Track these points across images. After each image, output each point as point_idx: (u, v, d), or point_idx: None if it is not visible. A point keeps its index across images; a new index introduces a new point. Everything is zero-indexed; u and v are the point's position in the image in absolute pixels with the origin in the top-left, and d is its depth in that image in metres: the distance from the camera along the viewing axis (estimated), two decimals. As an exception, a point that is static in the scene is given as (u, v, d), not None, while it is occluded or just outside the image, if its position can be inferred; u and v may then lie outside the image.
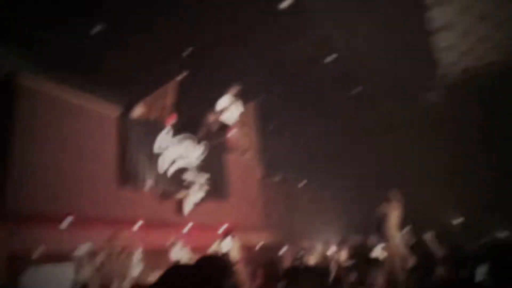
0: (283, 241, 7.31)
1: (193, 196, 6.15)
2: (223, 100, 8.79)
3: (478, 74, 11.11)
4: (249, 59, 9.95)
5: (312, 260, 5.06)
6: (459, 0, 9.92)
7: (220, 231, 6.79)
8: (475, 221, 9.97)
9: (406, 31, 10.25)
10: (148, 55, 9.21)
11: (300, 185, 11.97)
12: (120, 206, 5.16)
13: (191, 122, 8.23)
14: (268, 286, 3.89)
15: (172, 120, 7.25)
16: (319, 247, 5.64)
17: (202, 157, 6.69)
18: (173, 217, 5.94)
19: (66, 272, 4.54)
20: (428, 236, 4.42)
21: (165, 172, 5.88)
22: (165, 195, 5.82)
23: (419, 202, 11.15)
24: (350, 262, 4.34)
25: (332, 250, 5.74)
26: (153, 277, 4.32)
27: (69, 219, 4.68)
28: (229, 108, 8.77)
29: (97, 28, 8.28)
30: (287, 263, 5.85)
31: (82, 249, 3.46)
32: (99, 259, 3.59)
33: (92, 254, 3.57)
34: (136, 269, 4.71)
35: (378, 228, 6.08)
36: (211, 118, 8.24)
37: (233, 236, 4.99)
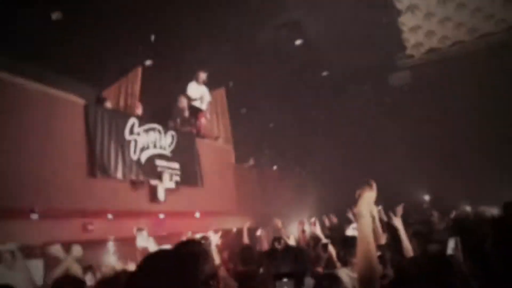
0: (258, 225, 7.33)
1: (166, 184, 6.06)
2: (192, 86, 8.67)
3: (443, 54, 11.38)
4: (218, 44, 9.84)
5: (290, 240, 5.10)
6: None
7: (196, 216, 6.77)
8: (442, 196, 10.33)
9: (373, 14, 10.36)
10: (114, 42, 8.96)
11: (273, 169, 12.04)
12: (91, 196, 5.03)
13: (160, 110, 8.10)
14: (245, 269, 3.91)
15: (139, 108, 7.11)
16: (295, 227, 5.68)
17: (173, 145, 6.59)
18: (146, 205, 5.85)
19: (35, 267, 4.41)
20: (399, 209, 4.53)
21: (136, 161, 5.76)
22: (137, 184, 5.71)
23: (391, 182, 11.45)
24: (326, 240, 4.40)
25: (308, 227, 5.80)
26: (129, 266, 4.26)
27: (36, 213, 4.53)
28: (199, 95, 8.67)
29: (59, 15, 7.98)
30: (263, 246, 5.89)
31: (54, 248, 3.36)
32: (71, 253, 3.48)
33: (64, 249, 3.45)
34: (111, 258, 4.64)
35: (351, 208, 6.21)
36: (180, 105, 8.12)
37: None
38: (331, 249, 4.21)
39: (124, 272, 2.67)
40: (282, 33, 10.65)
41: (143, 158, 5.89)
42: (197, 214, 6.94)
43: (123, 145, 5.58)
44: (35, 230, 4.68)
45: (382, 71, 12.37)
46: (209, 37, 9.48)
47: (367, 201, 2.70)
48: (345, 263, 3.52)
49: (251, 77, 11.04)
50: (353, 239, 3.79)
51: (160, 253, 1.79)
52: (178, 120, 7.78)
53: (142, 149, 5.90)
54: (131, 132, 5.79)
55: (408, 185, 11.12)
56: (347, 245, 3.61)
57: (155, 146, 6.16)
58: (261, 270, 3.56)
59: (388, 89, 12.69)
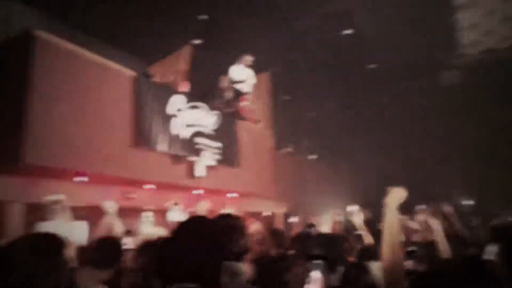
0: (292, 211, 7.37)
1: (205, 161, 6.19)
2: (236, 68, 8.71)
3: (501, 56, 10.83)
4: (266, 29, 9.82)
5: (323, 228, 5.10)
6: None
7: (232, 195, 6.88)
8: (486, 203, 9.95)
9: (428, 8, 9.97)
10: (165, 19, 9.14)
11: (311, 157, 11.98)
12: (134, 166, 5.21)
13: (205, 89, 8.21)
14: (276, 252, 3.95)
15: (186, 85, 7.23)
16: (329, 216, 5.67)
17: (214, 125, 6.69)
18: (185, 180, 6.00)
19: (80, 227, 4.64)
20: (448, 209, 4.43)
21: (179, 136, 5.89)
22: (177, 158, 5.85)
23: (431, 182, 11.13)
24: (360, 231, 4.37)
25: (341, 217, 5.76)
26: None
27: (84, 176, 4.76)
28: (243, 77, 8.71)
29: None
30: (296, 232, 5.91)
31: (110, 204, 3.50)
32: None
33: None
34: (148, 226, 4.81)
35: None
36: (224, 86, 8.20)
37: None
38: (367, 240, 4.17)
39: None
40: (332, 21, 10.47)
41: (186, 134, 6.02)
42: (233, 194, 7.04)
43: (168, 119, 5.73)
44: (79, 192, 4.91)
45: (434, 68, 11.95)
46: (258, 21, 9.48)
47: (397, 196, 2.67)
48: (376, 256, 3.49)
49: (297, 64, 10.97)
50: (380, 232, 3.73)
51: (197, 220, 1.84)
52: (220, 100, 7.86)
53: (186, 125, 6.03)
54: (177, 107, 5.92)
55: (449, 188, 10.78)
56: (379, 238, 3.56)
57: (198, 123, 6.28)
58: (291, 252, 3.59)
59: (438, 87, 12.26)
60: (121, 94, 5.26)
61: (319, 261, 2.31)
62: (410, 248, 3.91)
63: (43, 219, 5.03)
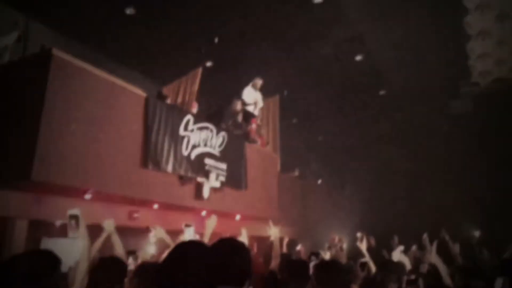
0: (296, 236, 7.29)
1: (212, 183, 6.18)
2: (248, 91, 8.80)
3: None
4: (277, 52, 9.93)
5: (327, 255, 5.02)
6: (497, 6, 9.63)
7: (236, 218, 6.83)
8: (495, 236, 9.74)
9: (440, 36, 10.03)
10: (178, 41, 9.30)
11: (318, 182, 11.92)
12: (141, 186, 5.22)
13: (214, 111, 8.28)
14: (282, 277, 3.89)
15: (195, 107, 7.31)
16: (334, 243, 5.59)
17: (222, 146, 6.71)
18: (190, 201, 5.99)
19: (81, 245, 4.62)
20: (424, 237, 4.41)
21: (186, 157, 5.91)
22: (185, 179, 5.85)
23: (437, 212, 10.98)
24: (366, 259, 4.30)
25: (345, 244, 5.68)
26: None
27: (90, 194, 4.76)
28: (252, 100, 8.79)
29: (130, 10, 8.42)
30: (301, 256, 5.83)
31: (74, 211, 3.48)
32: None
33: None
34: (152, 247, 4.78)
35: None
36: (234, 108, 8.26)
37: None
38: (371, 268, 4.10)
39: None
40: (342, 47, 10.56)
41: (193, 155, 6.04)
42: (238, 217, 7.00)
43: (176, 140, 5.76)
44: (84, 210, 4.90)
45: (443, 96, 11.94)
46: (269, 45, 9.60)
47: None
48: (382, 286, 3.42)
49: (306, 88, 11.03)
50: (394, 263, 3.68)
51: (193, 244, 1.83)
52: (230, 122, 7.91)
53: (194, 146, 6.06)
54: (186, 128, 5.96)
55: (456, 217, 10.61)
56: (386, 269, 3.51)
57: (205, 145, 6.30)
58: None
59: (447, 115, 12.22)
60: (132, 113, 5.32)
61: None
62: (412, 277, 3.84)
63: (48, 235, 5.05)
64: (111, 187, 4.90)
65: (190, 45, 9.46)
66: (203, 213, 6.34)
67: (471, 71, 11.00)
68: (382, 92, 11.93)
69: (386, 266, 3.59)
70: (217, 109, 8.31)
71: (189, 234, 4.35)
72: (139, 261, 4.43)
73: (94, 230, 4.34)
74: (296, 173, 10.84)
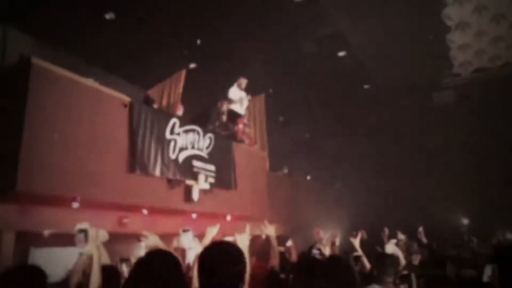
0: (288, 234, 7.30)
1: (200, 185, 6.16)
2: (233, 91, 8.79)
3: (493, 74, 10.98)
4: (260, 52, 9.93)
5: (326, 250, 5.03)
6: (474, -1, 9.77)
7: (227, 219, 6.82)
8: (482, 223, 9.91)
9: (420, 29, 10.15)
10: (161, 44, 9.23)
11: (307, 178, 11.97)
12: (129, 191, 5.17)
13: (200, 112, 8.24)
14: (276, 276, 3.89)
15: (180, 109, 7.26)
16: (327, 238, 5.61)
17: (210, 148, 6.69)
18: (180, 204, 5.96)
19: (71, 254, 4.57)
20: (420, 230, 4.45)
21: (174, 160, 5.88)
22: (173, 182, 5.82)
23: (427, 203, 11.12)
24: (358, 253, 4.32)
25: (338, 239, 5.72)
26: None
27: (77, 202, 4.70)
28: (238, 100, 8.78)
29: (111, 14, 8.33)
30: (293, 256, 5.84)
31: (82, 225, 3.41)
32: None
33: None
34: (142, 252, 4.73)
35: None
36: (220, 109, 8.24)
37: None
38: (365, 263, 4.12)
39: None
40: (325, 44, 10.61)
41: (181, 158, 6.01)
42: (228, 217, 6.98)
43: (163, 144, 5.72)
44: (73, 219, 4.83)
45: (426, 88, 12.08)
46: (252, 44, 9.60)
47: None
48: (378, 281, 3.42)
49: (291, 86, 11.05)
50: (390, 257, 3.68)
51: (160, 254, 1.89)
52: (217, 123, 7.89)
53: (181, 149, 6.03)
54: (172, 132, 5.93)
55: (445, 208, 10.76)
56: (382, 262, 3.49)
57: (193, 147, 6.28)
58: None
59: (431, 107, 12.37)
60: (116, 119, 5.27)
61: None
62: (404, 273, 3.87)
63: (36, 245, 4.97)
64: (98, 194, 4.85)
65: (173, 48, 9.40)
66: (193, 215, 6.32)
67: (452, 62, 11.17)
68: (366, 87, 12.02)
69: (382, 260, 3.57)
70: (203, 110, 8.28)
71: (187, 239, 4.32)
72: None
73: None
74: (285, 170, 10.86)
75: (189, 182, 6.05)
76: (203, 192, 6.24)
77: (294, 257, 5.84)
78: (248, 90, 9.03)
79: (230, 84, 8.91)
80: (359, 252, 4.45)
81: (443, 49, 10.90)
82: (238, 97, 8.78)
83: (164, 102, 7.39)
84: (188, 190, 6.05)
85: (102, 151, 4.97)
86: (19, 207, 4.42)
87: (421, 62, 10.81)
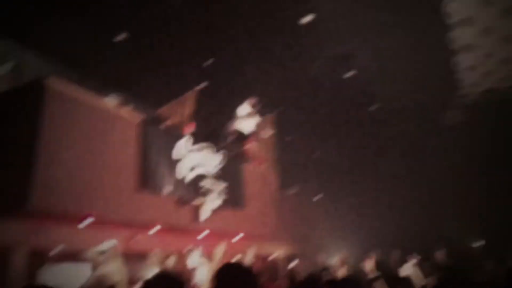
0: (297, 253, 7.26)
1: (210, 204, 6.18)
2: (242, 110, 8.86)
3: (501, 95, 10.97)
4: (270, 72, 10.06)
5: (339, 272, 4.98)
6: (482, 20, 9.85)
7: (235, 239, 6.80)
8: (496, 244, 9.73)
9: (428, 51, 10.22)
10: (171, 65, 9.41)
11: (316, 198, 11.90)
12: (138, 209, 5.21)
13: (210, 132, 8.32)
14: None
15: (191, 128, 7.34)
16: (337, 260, 5.55)
17: (220, 166, 6.73)
18: (189, 223, 5.97)
19: (83, 271, 4.59)
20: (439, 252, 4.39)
21: (183, 179, 5.92)
22: (183, 201, 5.85)
23: (438, 223, 10.99)
24: (374, 275, 4.28)
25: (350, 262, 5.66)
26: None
27: (89, 219, 4.75)
28: (247, 119, 8.84)
29: (122, 36, 8.54)
30: (300, 275, 5.78)
31: (106, 245, 3.42)
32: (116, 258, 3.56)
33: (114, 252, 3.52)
34: (151, 271, 4.73)
35: None
36: (230, 128, 8.31)
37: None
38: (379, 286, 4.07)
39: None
40: (335, 63, 10.72)
41: (191, 177, 6.05)
42: (237, 237, 6.97)
43: (173, 163, 5.78)
44: (83, 236, 4.88)
45: (434, 109, 12.08)
46: (261, 64, 9.73)
47: None
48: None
49: (300, 106, 11.13)
50: (402, 281, 3.64)
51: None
52: (227, 142, 7.94)
53: (191, 168, 6.07)
54: (182, 150, 5.99)
55: (459, 228, 10.61)
56: (398, 285, 3.46)
57: (203, 165, 6.32)
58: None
59: (439, 127, 12.34)
60: (127, 138, 5.36)
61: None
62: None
63: (48, 262, 4.99)
64: (109, 211, 4.89)
65: (184, 67, 9.56)
66: (202, 234, 6.31)
67: (461, 83, 11.19)
68: (374, 107, 12.05)
69: (397, 282, 3.54)
70: (213, 129, 8.35)
71: (194, 258, 4.32)
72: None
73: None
74: (294, 190, 10.83)
75: (198, 201, 6.07)
76: (212, 211, 6.25)
77: (300, 275, 5.79)
78: (257, 109, 9.10)
79: (239, 104, 8.99)
80: (373, 274, 4.40)
81: (451, 70, 10.95)
82: (247, 117, 8.85)
83: (175, 121, 7.49)
84: (197, 209, 6.07)
85: (113, 170, 5.04)
86: (31, 224, 4.46)
87: (429, 83, 10.84)
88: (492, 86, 11.16)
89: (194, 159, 6.21)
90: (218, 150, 6.84)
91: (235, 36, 9.15)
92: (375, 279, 4.28)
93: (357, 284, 2.92)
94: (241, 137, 8.54)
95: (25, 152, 4.29)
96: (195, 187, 6.08)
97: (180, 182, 5.85)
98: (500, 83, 11.01)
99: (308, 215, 10.44)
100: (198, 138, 6.86)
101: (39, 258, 4.49)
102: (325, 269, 5.20)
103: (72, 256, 4.86)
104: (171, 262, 3.89)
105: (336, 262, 5.35)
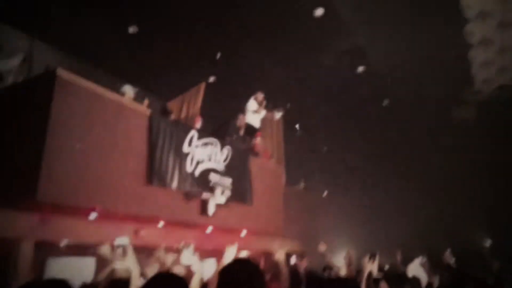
0: (303, 249, 7.22)
1: (217, 198, 6.15)
2: (251, 105, 8.81)
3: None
4: (279, 66, 9.98)
5: (342, 271, 4.94)
6: (498, 15, 9.64)
7: (242, 234, 6.78)
8: (504, 244, 9.62)
9: (442, 45, 10.05)
10: (180, 58, 9.38)
11: (324, 195, 11.85)
12: (146, 203, 5.20)
13: (218, 126, 8.29)
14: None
15: (199, 122, 7.32)
16: (342, 258, 5.50)
17: (227, 161, 6.70)
18: (196, 217, 5.96)
19: (88, 264, 4.61)
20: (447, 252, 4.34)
21: (191, 173, 5.90)
22: (190, 196, 5.83)
23: (446, 223, 10.88)
24: (379, 275, 4.22)
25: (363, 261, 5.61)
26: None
27: (95, 213, 4.75)
28: (256, 114, 8.80)
29: (134, 29, 8.52)
30: (303, 271, 5.75)
31: (122, 240, 3.39)
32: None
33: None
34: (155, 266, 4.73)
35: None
36: (238, 122, 8.27)
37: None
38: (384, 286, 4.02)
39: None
40: (344, 59, 10.60)
41: (198, 171, 6.03)
42: (244, 232, 6.95)
43: (181, 157, 5.75)
44: (89, 229, 4.89)
45: (446, 105, 11.91)
46: (271, 58, 9.66)
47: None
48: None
49: (309, 100, 11.04)
50: (409, 281, 3.60)
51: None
52: (235, 136, 7.91)
53: (198, 162, 6.05)
54: (190, 144, 5.96)
55: (467, 227, 10.49)
56: (406, 284, 3.44)
57: (210, 160, 6.29)
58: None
59: (451, 123, 12.17)
60: (136, 131, 5.34)
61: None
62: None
63: (54, 255, 5.02)
64: (116, 205, 4.89)
65: (193, 61, 9.53)
66: (209, 229, 6.31)
67: (474, 79, 11.00)
68: (385, 103, 11.92)
69: (403, 282, 3.51)
70: (221, 123, 8.32)
71: (187, 255, 4.24)
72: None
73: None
74: (302, 185, 10.79)
75: (205, 195, 6.05)
76: (218, 206, 6.23)
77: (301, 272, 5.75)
78: (265, 104, 9.05)
79: (248, 98, 8.95)
80: (378, 274, 4.34)
81: (465, 65, 10.76)
82: (255, 111, 8.81)
83: (183, 115, 7.48)
84: (204, 203, 6.05)
85: (121, 163, 5.02)
86: (38, 216, 4.48)
87: (442, 79, 10.67)
88: (507, 82, 10.96)
89: (202, 153, 6.18)
90: (226, 144, 6.81)
91: (246, 28, 9.07)
92: (381, 278, 4.22)
93: (356, 285, 2.90)
94: (249, 131, 8.51)
95: (34, 144, 4.29)
96: (202, 182, 6.06)
97: (187, 176, 5.83)
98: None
99: (316, 211, 10.39)
100: (206, 132, 6.83)
101: (45, 251, 4.51)
102: (328, 267, 5.15)
103: (79, 249, 4.89)
104: (171, 258, 3.86)
105: (343, 260, 5.29)
